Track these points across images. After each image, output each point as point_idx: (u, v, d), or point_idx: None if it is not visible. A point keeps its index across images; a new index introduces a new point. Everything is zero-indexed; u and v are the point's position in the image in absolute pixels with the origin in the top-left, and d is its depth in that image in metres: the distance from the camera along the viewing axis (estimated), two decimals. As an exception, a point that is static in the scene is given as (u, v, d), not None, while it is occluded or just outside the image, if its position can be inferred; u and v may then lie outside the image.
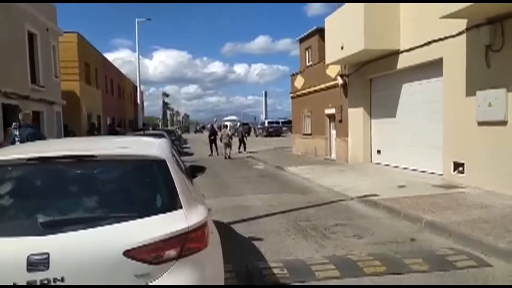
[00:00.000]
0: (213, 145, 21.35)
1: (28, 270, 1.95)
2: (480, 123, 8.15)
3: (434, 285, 3.93)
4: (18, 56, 14.36)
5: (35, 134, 6.63)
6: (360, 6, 11.02)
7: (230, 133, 20.10)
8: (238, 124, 25.36)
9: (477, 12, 7.51)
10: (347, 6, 12.27)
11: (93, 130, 20.12)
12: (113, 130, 22.12)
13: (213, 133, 22.00)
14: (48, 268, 1.97)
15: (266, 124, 48.76)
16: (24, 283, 1.94)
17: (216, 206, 7.57)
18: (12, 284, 1.94)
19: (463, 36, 8.54)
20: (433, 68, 9.85)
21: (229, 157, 19.06)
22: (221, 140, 19.83)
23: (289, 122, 47.61)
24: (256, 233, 5.81)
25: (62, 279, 1.98)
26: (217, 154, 20.79)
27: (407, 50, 10.67)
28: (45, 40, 17.07)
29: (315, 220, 6.52)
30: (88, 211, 2.31)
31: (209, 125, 28.14)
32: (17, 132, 6.66)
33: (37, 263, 1.96)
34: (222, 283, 2.56)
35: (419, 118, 10.70)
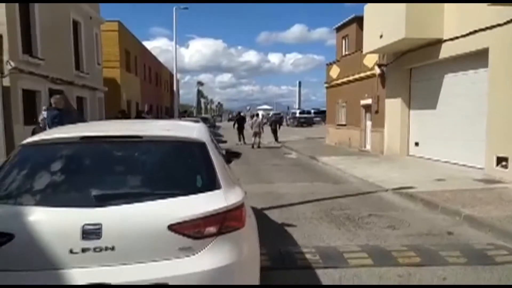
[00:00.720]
0: (240, 134, 20.77)
1: (83, 238, 2.12)
2: (528, 116, 7.73)
3: (436, 285, 3.83)
4: (64, 43, 15.07)
5: (57, 116, 7.02)
6: (402, -8, 10.63)
7: (261, 122, 19.48)
8: (271, 113, 24.75)
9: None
10: (388, -8, 11.86)
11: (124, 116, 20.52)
12: (140, 117, 22.19)
13: (238, 121, 21.19)
14: (100, 237, 2.13)
15: (298, 114, 48.45)
16: (79, 250, 2.12)
17: (249, 193, 7.65)
18: (68, 249, 2.12)
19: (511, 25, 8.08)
20: (478, 58, 9.39)
21: (258, 146, 18.43)
22: (251, 128, 19.25)
23: (321, 112, 47.20)
24: (289, 219, 5.89)
25: (113, 248, 2.14)
26: (244, 143, 20.05)
27: (451, 39, 10.21)
28: (88, 28, 17.78)
29: (348, 209, 6.50)
30: (135, 187, 2.46)
31: (234, 113, 27.52)
32: (45, 115, 7.17)
33: (91, 232, 2.13)
34: (258, 263, 2.65)
35: (461, 109, 10.27)
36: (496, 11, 8.01)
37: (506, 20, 8.20)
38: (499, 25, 8.41)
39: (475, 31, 9.22)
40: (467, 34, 9.51)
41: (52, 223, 2.18)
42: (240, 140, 20.61)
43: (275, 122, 22.58)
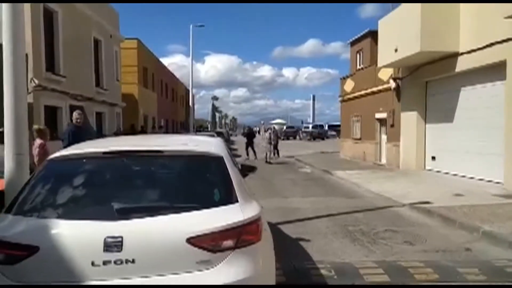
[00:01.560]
0: (249, 148, 19.62)
1: (105, 250, 2.20)
2: (548, 130, 7.59)
3: (438, 285, 3.76)
4: (85, 61, 15.60)
5: (73, 132, 7.25)
6: (417, 6, 10.68)
7: (271, 137, 18.39)
8: (274, 127, 22.70)
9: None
10: (402, 6, 11.93)
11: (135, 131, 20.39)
12: (143, 132, 21.43)
13: (247, 136, 20.22)
14: (121, 250, 2.21)
15: (311, 128, 48.44)
16: (101, 262, 2.20)
17: (264, 207, 7.69)
18: (90, 262, 2.20)
19: (530, 37, 8.01)
20: (495, 70, 9.31)
21: (269, 162, 17.67)
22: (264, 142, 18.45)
23: (334, 126, 47.10)
24: (303, 234, 5.87)
25: (133, 261, 2.21)
26: (255, 158, 18.97)
27: (467, 52, 10.16)
28: (109, 46, 18.36)
29: (363, 225, 6.45)
30: (155, 201, 2.55)
31: (246, 128, 26.30)
32: (65, 130, 7.42)
33: (113, 245, 2.21)
34: (273, 277, 2.69)
35: (479, 123, 10.14)
36: (512, 24, 7.98)
37: (523, 33, 8.15)
38: (516, 38, 8.36)
39: (492, 44, 9.16)
40: (484, 47, 9.46)
41: (75, 235, 2.28)
42: (248, 155, 19.49)
43: (277, 135, 20.43)
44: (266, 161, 17.70)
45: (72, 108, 13.97)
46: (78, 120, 7.65)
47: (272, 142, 18.35)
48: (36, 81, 11.34)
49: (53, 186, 2.63)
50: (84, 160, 2.79)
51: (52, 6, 12.75)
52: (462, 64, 10.42)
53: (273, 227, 6.17)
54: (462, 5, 10.37)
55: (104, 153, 2.75)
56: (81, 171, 2.71)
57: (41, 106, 12.00)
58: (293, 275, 4.25)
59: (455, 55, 10.59)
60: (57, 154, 2.92)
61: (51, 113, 12.89)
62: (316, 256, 4.86)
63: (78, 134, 7.10)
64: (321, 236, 5.83)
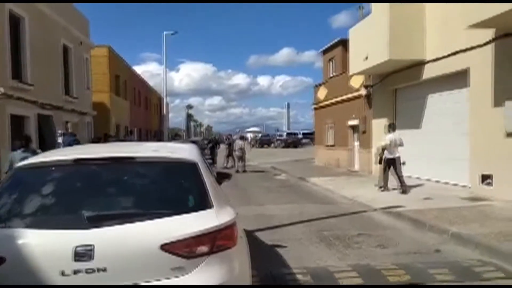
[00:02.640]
0: (212, 155, 19.65)
1: (75, 260, 2.14)
2: (509, 134, 7.99)
3: (436, 285, 3.89)
4: (53, 68, 15.15)
5: (76, 141, 7.20)
6: (385, 16, 11.07)
7: (244, 145, 18.06)
8: (236, 135, 22.20)
9: (506, 21, 7.44)
10: (371, 16, 12.33)
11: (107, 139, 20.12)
12: (107, 141, 20.82)
13: (211, 143, 20.36)
14: (92, 258, 2.15)
15: (285, 136, 49.01)
16: (71, 272, 2.13)
17: (240, 215, 7.65)
18: (60, 272, 2.13)
19: (490, 46, 8.45)
20: (459, 78, 9.75)
21: (244, 171, 17.22)
22: (235, 151, 18.15)
23: (308, 134, 47.94)
24: (279, 241, 5.89)
25: (105, 269, 2.16)
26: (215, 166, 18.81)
27: (433, 60, 10.60)
28: (78, 53, 17.93)
29: (337, 230, 6.54)
30: (128, 208, 2.50)
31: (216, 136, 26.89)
32: (60, 140, 7.25)
33: (83, 254, 2.15)
34: (249, 282, 2.68)
35: (445, 129, 10.55)
36: (475, 32, 8.39)
37: (485, 42, 8.58)
38: (479, 46, 8.79)
39: (456, 52, 9.59)
40: (448, 55, 9.89)
41: (44, 245, 2.20)
42: (214, 163, 19.28)
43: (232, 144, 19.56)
44: (237, 171, 16.99)
45: (40, 117, 13.53)
46: (73, 130, 7.69)
47: (245, 152, 18.01)
48: (1, 89, 10.91)
49: (20, 195, 2.53)
50: (53, 168, 2.70)
51: (19, 12, 12.35)
52: (428, 72, 10.85)
53: (249, 234, 6.15)
54: (428, 15, 10.83)
55: (74, 160, 2.68)
56: (50, 180, 2.63)
57: (6, 115, 11.53)
58: (269, 281, 4.25)
59: (422, 63, 11.03)
60: (24, 162, 2.82)
61: (17, 122, 12.39)
62: (292, 262, 4.88)
63: (77, 143, 7.16)
64: (296, 242, 5.86)
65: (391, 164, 9.81)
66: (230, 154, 19.45)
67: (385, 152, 9.85)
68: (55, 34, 15.28)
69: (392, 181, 9.99)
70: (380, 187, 10.20)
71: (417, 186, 10.57)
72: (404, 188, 9.56)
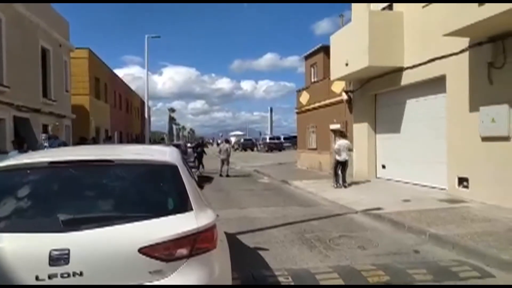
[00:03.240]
0: (199, 161, 18.96)
1: (50, 264, 2.09)
2: (484, 139, 8.24)
3: (435, 285, 3.99)
4: (31, 70, 14.79)
5: (64, 144, 7.07)
6: (365, 23, 11.29)
7: (229, 149, 17.94)
8: (220, 139, 21.97)
9: (479, 30, 7.70)
10: (352, 24, 12.57)
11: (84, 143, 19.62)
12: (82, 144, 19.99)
13: (199, 147, 19.57)
14: (68, 262, 2.10)
15: (268, 140, 49.25)
16: (46, 276, 2.08)
17: (222, 218, 7.62)
18: (34, 276, 2.07)
19: (466, 54, 8.72)
20: (437, 84, 10.01)
21: (227, 175, 16.92)
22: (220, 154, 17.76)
23: (291, 138, 48.35)
24: (262, 243, 5.90)
25: (81, 273, 2.11)
26: (203, 169, 18.50)
27: (411, 67, 10.85)
28: (58, 56, 17.57)
29: (319, 231, 6.59)
30: (106, 211, 2.46)
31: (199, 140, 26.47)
32: (47, 143, 7.06)
33: (58, 258, 2.10)
34: (230, 284, 2.67)
35: (424, 133, 10.80)
36: (452, 40, 8.65)
37: (461, 49, 8.84)
38: (454, 53, 9.05)
39: (433, 59, 9.85)
40: (426, 62, 10.15)
41: (18, 249, 2.15)
42: (201, 167, 18.78)
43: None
44: (221, 175, 16.76)
45: (17, 120, 13.17)
46: (54, 132, 7.61)
47: (228, 155, 17.87)
48: (-24, 91, 10.58)
49: None
50: (28, 171, 2.63)
51: (-5, 12, 12.05)
52: (407, 78, 11.10)
53: (231, 237, 6.13)
54: (406, 22, 11.10)
55: (50, 162, 2.62)
56: (24, 183, 2.56)
57: (-19, 117, 11.19)
58: (251, 283, 4.24)
59: (400, 70, 11.28)
60: None
61: (-7, 125, 12.04)
62: (273, 264, 4.90)
63: (65, 145, 7.08)
64: (278, 244, 5.88)
65: (340, 164, 11.63)
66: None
67: (336, 155, 11.72)
68: (33, 36, 14.94)
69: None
70: (337, 185, 11.74)
71: (397, 189, 10.77)
72: (346, 185, 11.63)
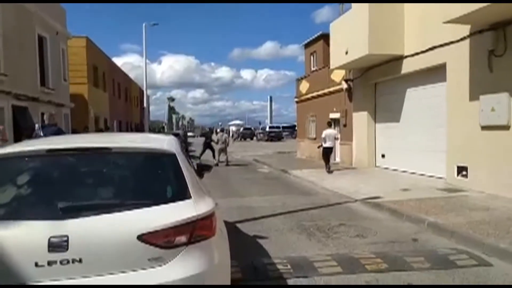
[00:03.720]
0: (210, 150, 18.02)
1: (49, 251, 2.10)
2: (484, 128, 8.23)
3: (436, 285, 4.02)
4: (28, 59, 14.65)
5: (59, 132, 6.98)
6: (365, 11, 11.17)
7: (227, 138, 17.65)
8: (219, 128, 20.82)
9: (480, 17, 7.62)
10: (352, 11, 12.42)
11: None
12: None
13: (207, 138, 18.51)
14: (67, 249, 2.11)
15: (267, 129, 49.23)
16: (45, 263, 2.08)
17: (222, 207, 7.65)
18: (34, 263, 2.08)
19: (466, 42, 8.65)
20: (437, 73, 9.95)
21: (227, 164, 16.94)
22: (216, 144, 17.52)
23: (290, 127, 48.36)
24: (261, 232, 5.93)
25: (80, 260, 2.12)
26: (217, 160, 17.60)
27: (411, 55, 10.77)
28: (55, 43, 17.40)
29: (318, 220, 6.62)
30: (104, 199, 2.46)
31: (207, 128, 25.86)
32: (41, 133, 6.97)
33: (57, 244, 2.10)
34: (228, 272, 2.68)
35: (423, 122, 10.78)
36: (452, 28, 8.56)
37: (461, 37, 8.77)
38: (455, 41, 8.97)
39: (433, 48, 9.78)
40: (426, 50, 10.07)
41: (17, 236, 2.15)
42: (214, 157, 17.76)
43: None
44: (216, 164, 16.30)
45: (15, 108, 13.11)
46: (51, 120, 7.52)
47: (227, 144, 17.80)
48: (-27, 79, 10.50)
49: None
50: (27, 159, 2.62)
51: (-9, -1, 11.88)
52: (407, 67, 11.03)
53: (231, 225, 6.16)
54: (406, 10, 10.98)
55: (48, 150, 2.60)
56: (23, 170, 2.56)
57: (-22, 106, 11.13)
58: (250, 271, 4.27)
59: (401, 58, 11.20)
60: None
61: (-9, 114, 11.98)
62: (273, 252, 4.92)
63: (61, 133, 7.02)
64: (278, 232, 5.91)
65: (327, 151, 12.95)
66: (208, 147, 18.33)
67: (323, 142, 12.99)
68: (29, 23, 14.76)
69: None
70: (329, 170, 12.83)
71: (396, 177, 10.79)
72: (329, 170, 12.78)
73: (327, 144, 12.88)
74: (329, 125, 13.61)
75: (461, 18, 7.74)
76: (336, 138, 13.71)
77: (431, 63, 10.00)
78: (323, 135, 12.99)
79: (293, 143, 25.70)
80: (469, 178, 8.69)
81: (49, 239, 2.10)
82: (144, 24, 23.81)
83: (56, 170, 2.61)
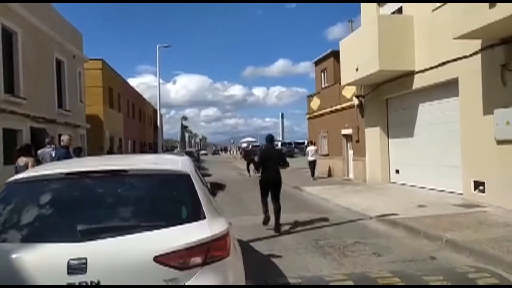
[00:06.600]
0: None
1: (68, 273, 2.13)
2: (499, 142, 8.10)
3: (437, 285, 3.91)
4: (47, 82, 15.12)
5: (66, 155, 7.19)
6: (375, 27, 11.26)
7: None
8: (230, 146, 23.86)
9: (491, 32, 7.60)
10: (361, 28, 12.55)
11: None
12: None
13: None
14: (86, 271, 2.14)
15: (279, 146, 49.17)
16: (65, 285, 2.12)
17: (234, 225, 7.62)
18: (53, 285, 2.12)
19: (478, 56, 8.61)
20: (449, 87, 9.90)
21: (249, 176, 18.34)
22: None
23: (299, 143, 48.08)
24: (275, 250, 5.88)
25: (98, 282, 2.15)
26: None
27: (422, 71, 10.76)
28: (72, 67, 17.95)
29: (333, 238, 6.54)
30: (121, 220, 2.50)
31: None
32: (54, 153, 7.27)
33: (76, 267, 2.14)
34: None
35: (437, 137, 10.67)
36: (463, 43, 8.56)
37: (472, 52, 8.75)
38: (466, 56, 8.95)
39: (444, 63, 9.76)
40: (437, 66, 10.06)
41: (37, 259, 2.19)
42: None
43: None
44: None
45: (33, 130, 13.46)
46: (65, 143, 7.85)
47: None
48: (-6, 103, 10.87)
49: (13, 209, 2.53)
50: (46, 182, 2.70)
51: (12, 26, 12.39)
52: (419, 82, 11.01)
53: (244, 244, 6.13)
54: (416, 26, 11.03)
55: (67, 174, 2.68)
56: (43, 193, 2.63)
57: (-2, 129, 11.46)
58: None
59: (412, 74, 11.19)
60: (16, 176, 2.81)
61: (10, 136, 12.31)
62: (287, 271, 4.87)
63: (70, 156, 7.39)
64: (292, 251, 5.85)
65: (310, 164, 16.91)
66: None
67: (308, 157, 17.10)
68: (48, 48, 15.31)
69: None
70: (313, 179, 16.49)
71: (412, 194, 10.62)
72: (314, 179, 16.55)
73: (310, 159, 16.83)
74: (311, 143, 18.05)
75: (470, 34, 7.74)
76: (316, 151, 17.53)
77: (443, 78, 9.97)
78: (307, 151, 17.19)
79: (304, 160, 25.60)
80: (487, 193, 8.51)
81: (68, 262, 2.14)
82: (157, 46, 24.40)
83: (75, 193, 2.68)
